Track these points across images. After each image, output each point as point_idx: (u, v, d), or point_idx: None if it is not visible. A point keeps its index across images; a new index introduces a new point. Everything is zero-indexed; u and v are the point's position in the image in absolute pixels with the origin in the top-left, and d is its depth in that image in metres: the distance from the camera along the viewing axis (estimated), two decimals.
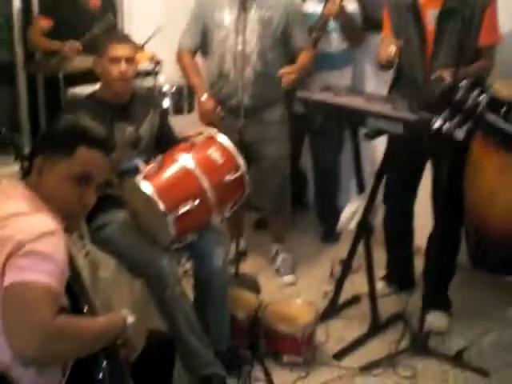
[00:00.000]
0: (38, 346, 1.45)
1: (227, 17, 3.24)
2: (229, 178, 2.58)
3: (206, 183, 2.52)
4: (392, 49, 2.83)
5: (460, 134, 1.65)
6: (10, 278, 1.50)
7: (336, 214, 4.10)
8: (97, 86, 2.85)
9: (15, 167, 2.72)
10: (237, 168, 2.62)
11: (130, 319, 1.71)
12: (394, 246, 3.39)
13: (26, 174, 1.78)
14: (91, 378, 1.62)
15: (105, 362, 1.61)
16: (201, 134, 2.70)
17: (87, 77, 3.31)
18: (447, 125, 1.63)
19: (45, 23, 3.76)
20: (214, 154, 2.61)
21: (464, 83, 1.61)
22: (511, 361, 2.89)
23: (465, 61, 2.72)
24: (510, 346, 3.00)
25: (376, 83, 3.75)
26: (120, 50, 2.71)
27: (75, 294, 1.71)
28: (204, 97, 3.34)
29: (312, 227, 4.22)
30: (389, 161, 2.93)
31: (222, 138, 2.67)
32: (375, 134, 2.73)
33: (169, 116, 3.19)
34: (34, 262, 1.51)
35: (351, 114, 2.76)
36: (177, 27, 3.45)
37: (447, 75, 2.62)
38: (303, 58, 3.36)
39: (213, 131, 2.71)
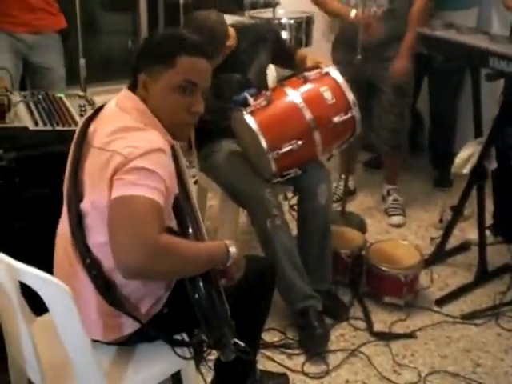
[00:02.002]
0: (141, 259, 1.47)
1: None
2: (338, 119, 2.53)
3: (312, 123, 2.49)
4: None
5: None
6: (115, 192, 1.54)
7: (450, 159, 3.96)
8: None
9: None
10: (348, 109, 2.55)
11: (233, 249, 1.71)
12: (502, 195, 3.26)
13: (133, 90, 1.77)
14: (187, 298, 1.65)
15: (201, 284, 1.63)
16: (318, 66, 2.63)
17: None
18: None
19: None
20: (326, 92, 2.54)
21: None
22: None
23: None
24: None
25: (501, 26, 3.54)
26: None
27: (183, 214, 1.73)
28: (353, 13, 3.17)
29: (425, 171, 4.13)
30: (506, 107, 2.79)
31: (337, 75, 2.58)
32: (497, 75, 2.60)
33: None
34: (138, 177, 1.53)
35: (473, 54, 2.64)
36: None
37: None
38: (408, 36, 3.23)
39: (328, 66, 2.63)
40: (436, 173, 4.05)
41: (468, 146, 2.95)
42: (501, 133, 2.86)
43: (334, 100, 2.55)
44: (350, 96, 2.56)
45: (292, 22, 3.45)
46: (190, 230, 1.73)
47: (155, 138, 1.64)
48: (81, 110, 2.48)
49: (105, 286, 1.64)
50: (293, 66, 2.88)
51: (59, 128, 2.27)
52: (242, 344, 1.67)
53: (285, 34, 3.37)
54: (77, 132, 1.77)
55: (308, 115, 2.49)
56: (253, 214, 2.60)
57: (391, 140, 3.51)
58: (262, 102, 2.54)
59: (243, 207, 2.69)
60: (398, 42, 3.28)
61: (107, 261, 1.61)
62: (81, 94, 2.77)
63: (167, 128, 1.73)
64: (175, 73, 1.71)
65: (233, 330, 1.66)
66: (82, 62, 3.16)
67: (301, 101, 2.51)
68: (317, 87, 2.57)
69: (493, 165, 2.89)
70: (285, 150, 2.47)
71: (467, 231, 3.35)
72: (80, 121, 1.85)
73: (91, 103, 2.62)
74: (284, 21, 3.43)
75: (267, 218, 2.53)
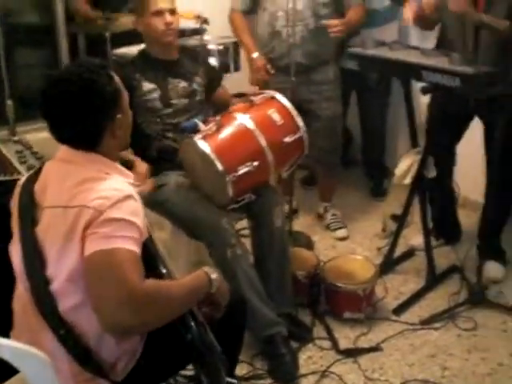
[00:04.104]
0: (130, 314, 1.43)
1: None
2: (288, 139, 2.57)
3: (264, 144, 2.51)
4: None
5: None
6: (92, 247, 1.48)
7: (383, 169, 4.12)
8: (139, 47, 2.88)
9: None
10: (296, 130, 2.61)
11: (214, 275, 1.69)
12: (438, 199, 3.35)
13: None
14: (178, 341, 1.62)
15: (193, 323, 1.61)
16: (261, 93, 2.67)
17: (130, 37, 3.29)
18: None
19: None
20: (274, 114, 2.59)
21: None
22: None
23: None
24: None
25: (421, 39, 3.67)
26: (161, 3, 2.71)
27: (153, 256, 1.70)
28: (255, 54, 3.30)
29: (360, 183, 4.22)
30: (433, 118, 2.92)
31: (282, 99, 2.64)
32: (432, 88, 2.69)
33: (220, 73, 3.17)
34: (114, 228, 1.49)
35: (407, 69, 2.73)
36: None
37: None
38: (352, 13, 3.30)
39: (273, 91, 2.69)
40: (371, 184, 4.14)
41: (406, 157, 3.04)
42: (435, 143, 2.97)
43: (283, 121, 2.59)
44: (297, 117, 2.61)
45: (219, 47, 3.45)
46: (164, 270, 1.70)
47: (121, 184, 1.60)
48: (20, 157, 2.37)
49: (82, 354, 1.56)
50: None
51: (1, 178, 2.14)
52: (235, 381, 1.64)
53: (213, 60, 3.35)
54: (18, 193, 1.68)
55: (260, 136, 2.51)
56: (211, 245, 2.55)
57: (326, 160, 3.56)
58: (212, 127, 2.53)
59: (199, 239, 2.62)
60: (326, 66, 3.36)
61: (80, 325, 1.55)
62: (15, 138, 2.65)
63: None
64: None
65: (225, 364, 1.63)
66: (10, 103, 3.01)
67: (251, 123, 2.53)
68: (265, 110, 2.61)
69: (431, 173, 2.99)
70: (241, 172, 2.46)
71: (409, 237, 3.43)
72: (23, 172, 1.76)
73: (28, 147, 2.51)
74: (211, 47, 3.42)
75: (227, 248, 2.50)
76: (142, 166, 2.52)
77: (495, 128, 2.81)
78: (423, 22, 2.95)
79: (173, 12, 2.74)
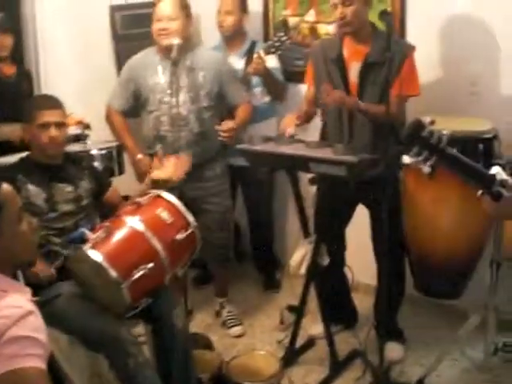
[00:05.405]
0: None
1: (161, 79, 3.25)
2: (180, 236, 2.54)
3: (157, 245, 2.46)
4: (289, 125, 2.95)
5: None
6: None
7: (274, 261, 4.15)
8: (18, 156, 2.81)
9: None
10: (187, 225, 2.59)
11: None
12: (333, 286, 3.38)
13: None
14: None
15: None
16: (147, 194, 2.65)
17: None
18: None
19: None
20: (163, 213, 2.57)
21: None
22: (470, 381, 2.98)
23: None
24: (466, 367, 3.07)
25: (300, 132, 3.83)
26: (48, 116, 2.66)
27: (57, 371, 1.68)
28: (139, 156, 3.30)
29: (253, 277, 4.20)
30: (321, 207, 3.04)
31: (169, 197, 2.63)
32: (319, 178, 2.79)
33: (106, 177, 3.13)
34: (20, 347, 1.45)
35: (295, 162, 2.81)
36: (97, 92, 3.43)
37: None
38: (242, 112, 3.38)
39: (158, 190, 2.67)
40: (263, 277, 4.14)
41: (300, 247, 3.08)
42: (325, 231, 3.05)
43: (173, 219, 2.57)
44: (186, 213, 2.60)
45: (102, 152, 3.41)
46: None
47: (20, 301, 1.56)
48: None
49: None
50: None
51: None
52: None
53: (97, 165, 3.30)
54: None
55: (151, 238, 2.46)
56: (111, 356, 2.41)
57: (220, 255, 3.55)
58: (101, 234, 2.46)
59: (97, 351, 2.47)
60: (213, 162, 3.40)
61: None
62: None
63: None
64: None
65: None
66: None
67: (141, 225, 2.48)
68: (153, 209, 2.58)
69: (326, 260, 3.04)
70: (136, 276, 2.38)
71: (308, 327, 3.41)
72: None
73: None
74: (94, 152, 3.37)
75: (128, 358, 2.38)
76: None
77: (379, 217, 2.95)
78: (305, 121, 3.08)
79: (60, 125, 2.68)
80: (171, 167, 2.86)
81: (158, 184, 2.71)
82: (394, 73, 2.85)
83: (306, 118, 3.15)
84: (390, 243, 2.77)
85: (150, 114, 3.31)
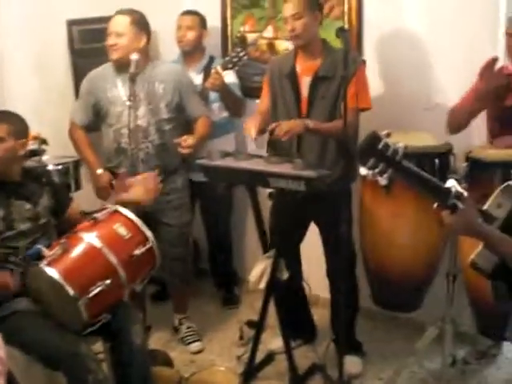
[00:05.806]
0: None
1: (121, 92, 3.24)
2: (138, 251, 2.51)
3: (115, 260, 2.43)
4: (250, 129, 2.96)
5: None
6: None
7: (232, 276, 4.14)
8: None
9: None
10: (145, 240, 2.55)
11: None
12: (291, 300, 3.39)
13: None
14: None
15: None
16: (104, 209, 2.62)
17: None
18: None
19: None
20: (120, 228, 2.53)
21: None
22: None
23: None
24: (424, 378, 3.09)
25: (258, 147, 3.84)
26: None
27: None
28: (99, 171, 3.28)
29: (212, 293, 4.18)
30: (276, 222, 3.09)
31: (126, 211, 2.59)
32: (278, 193, 2.80)
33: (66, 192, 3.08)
34: None
35: (254, 177, 2.83)
36: (53, 107, 3.41)
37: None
38: (201, 126, 3.38)
39: (115, 205, 2.64)
40: (221, 293, 4.12)
41: (259, 262, 3.07)
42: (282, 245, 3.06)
43: (130, 234, 2.53)
44: (144, 228, 2.57)
45: (59, 167, 3.36)
46: None
47: None
48: None
49: None
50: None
51: None
52: None
53: (56, 180, 3.25)
54: None
55: (109, 253, 2.43)
56: (70, 372, 2.36)
57: (179, 271, 3.52)
58: (57, 250, 2.41)
59: (56, 369, 2.41)
60: (174, 175, 3.38)
61: None
62: None
63: None
64: None
65: None
66: None
67: (98, 241, 2.44)
68: (110, 225, 2.54)
69: (285, 275, 3.04)
70: (94, 292, 2.34)
71: (268, 342, 3.41)
72: None
73: None
74: (50, 167, 3.32)
75: (88, 374, 2.33)
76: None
77: (329, 235, 3.04)
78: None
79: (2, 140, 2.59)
80: (140, 188, 2.83)
81: (126, 207, 2.67)
82: (345, 86, 2.90)
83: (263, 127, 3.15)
84: (341, 258, 2.79)
85: (111, 127, 3.29)
